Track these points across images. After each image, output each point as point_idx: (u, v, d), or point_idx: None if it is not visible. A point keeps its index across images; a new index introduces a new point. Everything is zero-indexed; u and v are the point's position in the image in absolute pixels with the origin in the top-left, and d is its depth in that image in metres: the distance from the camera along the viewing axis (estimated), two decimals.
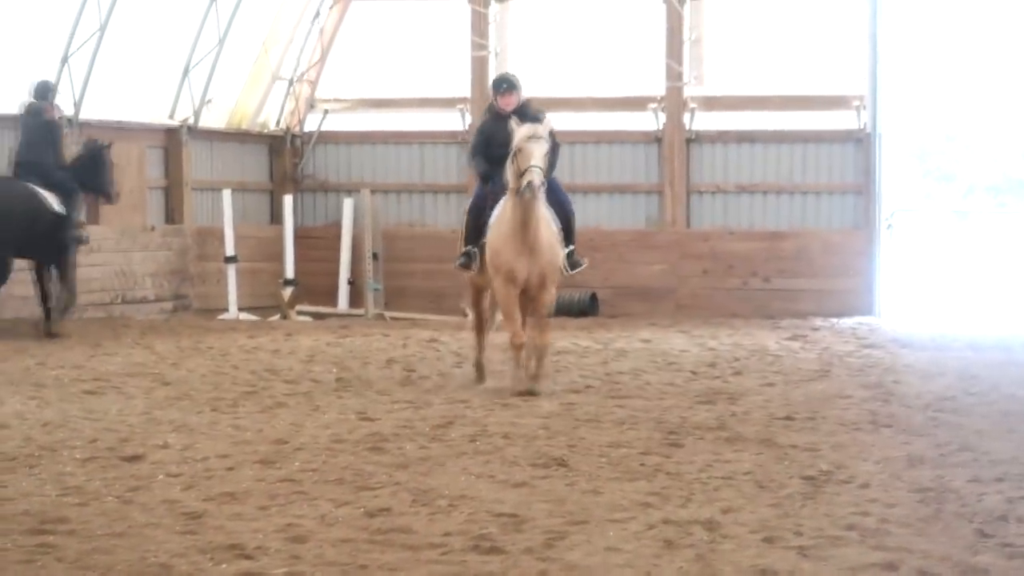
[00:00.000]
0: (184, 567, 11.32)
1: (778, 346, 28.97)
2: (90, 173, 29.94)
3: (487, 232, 20.49)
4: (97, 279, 32.81)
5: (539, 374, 21.06)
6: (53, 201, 28.67)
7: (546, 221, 20.38)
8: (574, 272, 21.46)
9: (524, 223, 20.05)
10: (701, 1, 36.90)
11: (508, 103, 20.75)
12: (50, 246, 28.67)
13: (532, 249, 20.15)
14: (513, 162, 19.86)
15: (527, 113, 20.55)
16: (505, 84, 21.05)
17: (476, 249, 20.63)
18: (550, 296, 21.12)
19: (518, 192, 19.80)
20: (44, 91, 29.95)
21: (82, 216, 30.37)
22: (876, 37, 36.26)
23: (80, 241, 30.01)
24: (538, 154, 19.60)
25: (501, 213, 20.29)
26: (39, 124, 29.39)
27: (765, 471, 15.53)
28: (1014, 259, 47.44)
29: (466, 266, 20.99)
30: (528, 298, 20.73)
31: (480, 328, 22.06)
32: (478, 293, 21.89)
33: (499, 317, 21.78)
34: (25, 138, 29.45)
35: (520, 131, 19.68)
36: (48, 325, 29.14)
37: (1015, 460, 16.00)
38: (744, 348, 27.33)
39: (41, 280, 29.48)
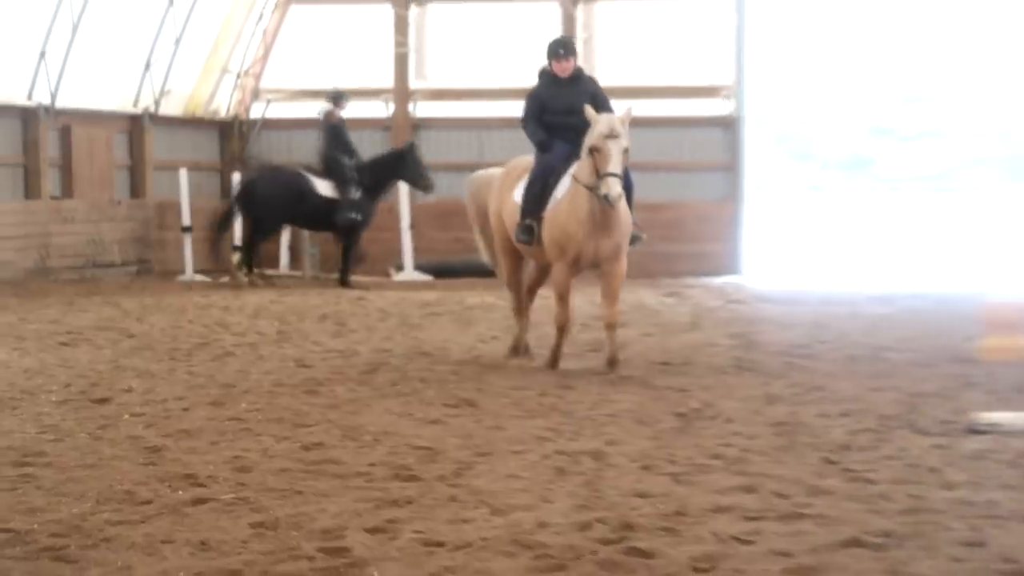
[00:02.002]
0: (145, 493, 11.35)
1: (656, 302, 29.09)
2: (404, 166, 32.83)
3: (549, 206, 17.22)
4: (71, 246, 32.69)
5: (615, 348, 17.83)
6: (323, 187, 31.62)
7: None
8: (633, 247, 18.11)
9: (602, 215, 17.03)
10: (593, 4, 36.87)
11: (565, 69, 17.62)
12: (321, 221, 31.59)
13: (607, 228, 17.16)
14: (590, 156, 16.69)
15: (584, 80, 17.82)
16: (563, 49, 17.76)
17: (535, 223, 17.23)
18: (623, 268, 17.81)
19: (596, 193, 16.70)
20: (335, 98, 32.57)
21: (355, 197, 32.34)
22: (742, 36, 36.41)
23: (350, 221, 32.24)
24: (617, 158, 16.55)
25: (572, 198, 17.02)
26: (327, 127, 32.43)
27: (644, 409, 15.61)
28: (861, 226, 47.83)
29: (528, 242, 17.47)
30: (602, 272, 17.70)
31: (522, 309, 18.90)
32: (516, 269, 18.50)
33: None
34: (321, 138, 32.57)
35: (598, 126, 16.57)
36: (341, 277, 32.71)
37: (857, 398, 16.17)
38: (627, 304, 27.37)
39: (346, 248, 33.03)
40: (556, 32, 35.30)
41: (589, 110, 16.88)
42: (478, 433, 14.13)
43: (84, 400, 16.15)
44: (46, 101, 31.90)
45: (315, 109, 37.23)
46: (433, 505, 11.00)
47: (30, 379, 17.66)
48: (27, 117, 31.78)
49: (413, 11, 37.30)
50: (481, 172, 20.13)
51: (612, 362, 17.42)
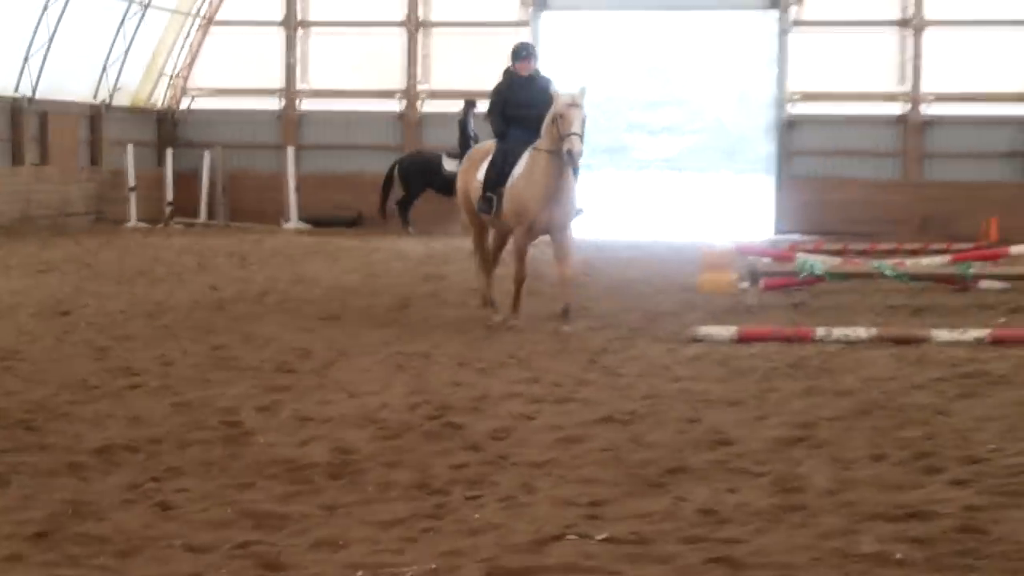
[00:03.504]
0: (95, 381, 11.31)
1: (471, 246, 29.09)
2: None
3: (508, 182, 15.33)
4: (45, 201, 32.38)
5: (569, 297, 15.65)
6: (450, 164, 30.12)
7: (569, 174, 15.30)
8: (576, 217, 15.97)
9: (557, 179, 15.04)
10: (430, 33, 36.71)
11: (525, 68, 15.77)
12: (449, 189, 28.11)
13: (558, 200, 15.19)
14: (553, 124, 14.82)
15: (540, 79, 15.90)
16: (524, 52, 16.00)
17: (495, 196, 15.41)
18: (571, 234, 15.82)
19: (558, 153, 14.80)
20: (467, 104, 31.62)
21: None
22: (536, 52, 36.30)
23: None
24: (578, 122, 14.72)
25: (529, 168, 15.14)
26: (460, 122, 31.72)
27: (461, 322, 15.69)
28: (620, 194, 48.22)
29: (486, 211, 15.60)
30: (553, 239, 15.65)
31: (487, 267, 16.61)
32: (481, 235, 16.53)
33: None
34: (457, 129, 31.77)
35: (561, 98, 14.84)
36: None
37: (612, 315, 16.31)
38: (452, 248, 27.36)
39: None
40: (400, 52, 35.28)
41: (553, 88, 15.26)
42: (339, 339, 14.11)
43: (52, 313, 15.97)
44: (28, 94, 31.62)
45: (229, 103, 37.06)
46: (305, 391, 11.01)
47: (12, 297, 17.43)
48: (14, 106, 31.52)
49: (300, 32, 37.01)
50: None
51: (567, 310, 15.32)
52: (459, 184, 16.39)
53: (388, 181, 32.93)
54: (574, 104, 14.67)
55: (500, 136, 15.73)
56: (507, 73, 15.93)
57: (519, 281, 15.59)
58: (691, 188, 61.82)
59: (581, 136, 14.64)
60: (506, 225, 15.60)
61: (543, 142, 15.02)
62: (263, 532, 6.94)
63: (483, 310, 16.09)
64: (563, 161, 14.77)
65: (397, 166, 32.85)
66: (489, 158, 15.65)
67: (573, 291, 15.84)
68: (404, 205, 32.84)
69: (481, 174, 15.65)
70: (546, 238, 16.02)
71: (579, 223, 15.96)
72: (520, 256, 15.50)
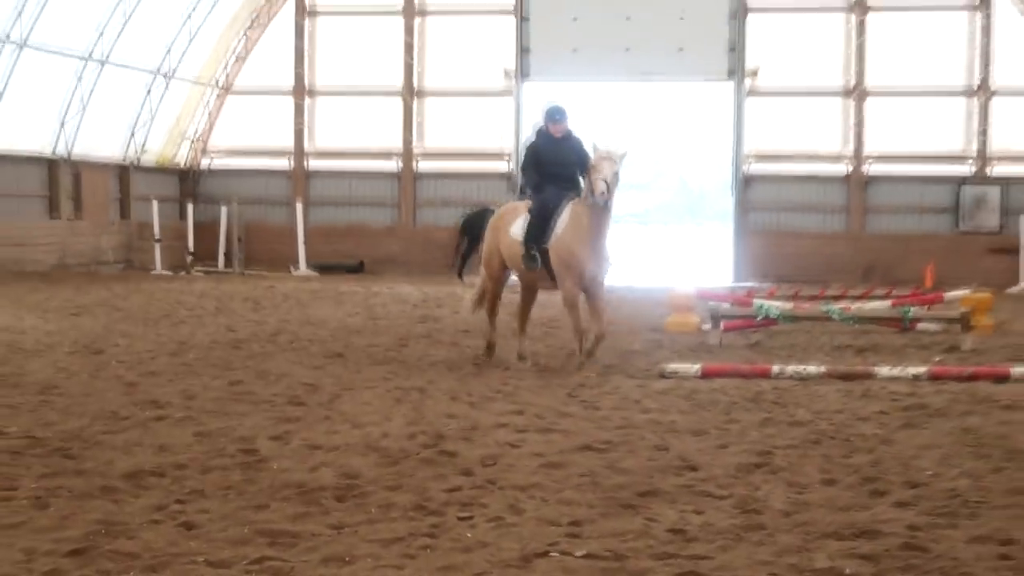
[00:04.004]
0: (124, 413, 11.22)
1: (463, 291, 29.04)
2: None
3: (551, 238, 14.52)
4: (79, 251, 32.41)
5: (596, 351, 14.80)
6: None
7: (607, 226, 14.65)
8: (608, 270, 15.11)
9: (597, 230, 14.38)
10: (424, 100, 36.83)
11: (559, 130, 14.96)
12: None
13: (599, 251, 14.54)
14: (587, 175, 14.34)
15: (573, 139, 15.07)
16: (558, 115, 15.06)
17: (538, 252, 14.57)
18: (604, 290, 15.01)
19: (594, 204, 14.23)
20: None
21: None
22: (520, 119, 36.40)
23: None
24: (608, 170, 14.04)
25: (573, 221, 14.42)
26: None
27: (452, 360, 15.63)
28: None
29: (533, 266, 14.67)
30: (590, 293, 14.75)
31: (492, 318, 15.78)
32: (496, 291, 15.77)
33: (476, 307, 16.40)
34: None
35: (598, 151, 14.24)
36: None
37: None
38: (444, 292, 27.36)
39: None
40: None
41: (593, 145, 14.43)
42: (344, 375, 14.07)
43: (86, 351, 15.90)
44: (64, 154, 31.69)
45: (244, 163, 37.15)
46: (314, 421, 10.96)
47: (50, 337, 17.35)
48: (51, 165, 31.60)
49: (307, 100, 37.14)
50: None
51: (591, 351, 14.67)
52: (487, 244, 15.64)
53: (460, 238, 31.37)
54: (608, 157, 14.17)
55: (536, 189, 14.91)
56: (540, 133, 15.25)
57: (580, 332, 14.74)
58: (658, 240, 61.99)
59: (608, 181, 14.06)
60: (543, 278, 14.88)
61: (581, 198, 14.49)
62: (277, 549, 6.93)
63: (485, 358, 15.57)
64: (600, 213, 14.25)
65: (466, 221, 31.48)
66: (524, 216, 14.90)
67: (600, 345, 14.90)
68: (463, 260, 31.67)
69: (515, 232, 14.92)
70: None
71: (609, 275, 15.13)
72: (573, 306, 14.70)
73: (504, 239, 15.10)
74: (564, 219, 14.47)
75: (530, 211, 14.83)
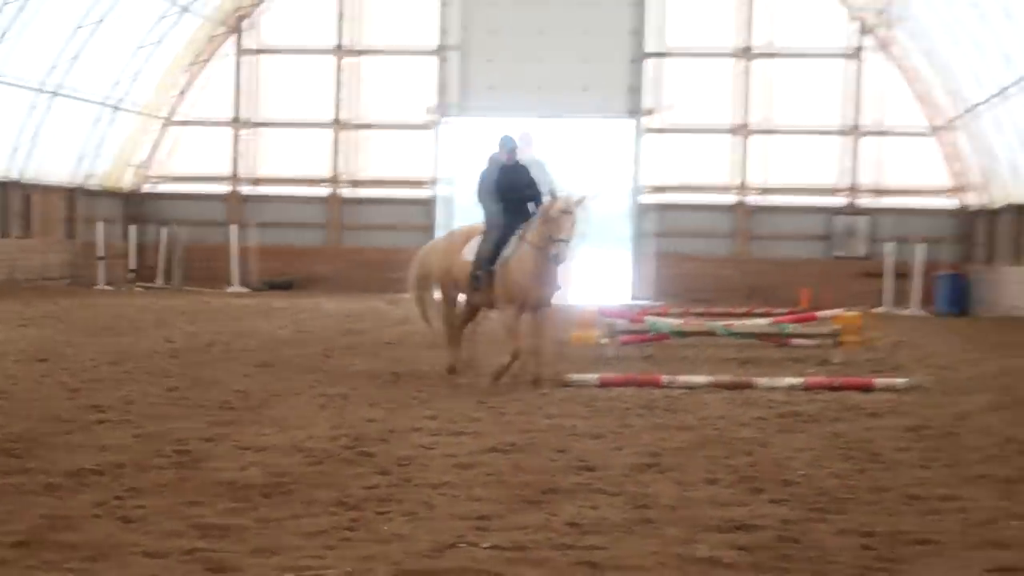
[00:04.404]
0: (68, 416, 11.07)
1: (384, 306, 29.01)
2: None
3: (497, 262, 13.94)
4: (27, 267, 31.99)
5: (544, 362, 14.25)
6: None
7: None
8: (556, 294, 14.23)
9: (543, 268, 13.66)
10: (353, 132, 36.73)
11: (511, 158, 14.33)
12: None
13: (544, 282, 13.75)
14: (545, 223, 13.55)
15: (521, 167, 14.39)
16: (511, 144, 14.46)
17: (484, 274, 14.02)
18: (551, 312, 14.27)
19: (545, 250, 13.53)
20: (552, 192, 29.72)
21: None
22: (439, 148, 36.45)
23: None
24: (568, 229, 13.44)
25: (520, 255, 13.82)
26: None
27: (372, 370, 15.58)
28: None
29: (477, 288, 14.17)
30: (536, 315, 14.06)
31: (455, 339, 14.98)
32: (452, 309, 14.98)
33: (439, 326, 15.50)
34: None
35: (557, 203, 13.47)
36: None
37: (498, 366, 16.22)
38: (366, 307, 27.30)
39: None
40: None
41: (553, 189, 13.77)
42: (273, 383, 13.98)
43: (32, 360, 15.67)
44: (16, 176, 31.26)
45: (184, 188, 36.84)
46: (244, 424, 10.88)
47: (0, 347, 17.10)
48: (3, 187, 31.13)
49: (244, 131, 36.92)
50: (425, 247, 16.08)
51: (537, 379, 13.96)
52: (437, 261, 14.94)
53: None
54: (567, 211, 13.40)
55: (491, 216, 14.32)
56: (492, 160, 14.63)
57: (515, 355, 14.05)
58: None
59: (568, 242, 13.46)
60: (484, 300, 14.36)
61: (533, 236, 13.74)
62: (209, 541, 6.87)
63: (449, 375, 14.73)
64: (548, 259, 13.59)
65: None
66: (478, 239, 14.33)
67: (546, 362, 14.26)
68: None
69: (468, 253, 14.33)
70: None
71: (557, 298, 14.35)
72: (512, 332, 14.03)
73: (456, 260, 14.54)
74: (511, 248, 13.91)
75: (483, 235, 14.36)
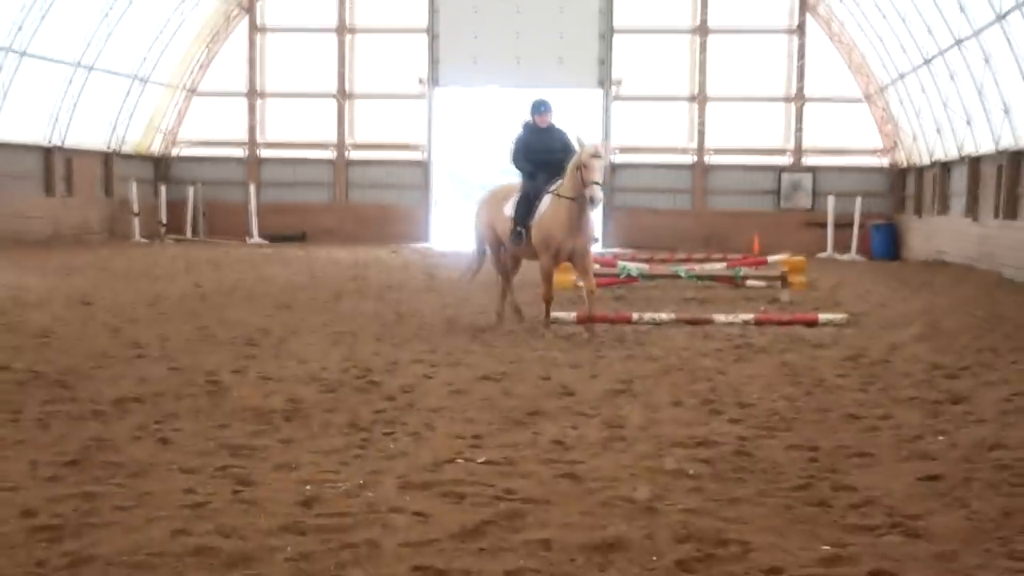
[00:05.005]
0: (111, 352, 11.09)
1: (386, 255, 28.95)
2: None
3: (535, 218, 13.14)
4: (70, 222, 31.80)
5: (592, 311, 13.23)
6: None
7: (588, 212, 12.88)
8: (593, 243, 13.32)
9: (579, 217, 12.79)
10: (354, 102, 36.47)
11: (544, 121, 13.48)
12: None
13: (578, 232, 12.85)
14: (576, 171, 12.62)
15: (556, 129, 13.60)
16: (543, 107, 13.57)
17: (524, 230, 13.23)
18: (591, 258, 13.36)
19: (580, 198, 12.67)
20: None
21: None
22: (432, 117, 36.25)
23: None
24: (599, 171, 12.52)
25: (554, 207, 12.95)
26: None
27: (378, 311, 15.54)
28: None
29: (518, 244, 13.34)
30: (576, 263, 13.19)
31: (506, 288, 14.28)
32: (501, 259, 14.20)
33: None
34: None
35: (586, 149, 12.59)
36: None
37: (487, 306, 15.86)
38: (370, 256, 27.25)
39: None
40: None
41: (579, 138, 12.85)
42: (291, 322, 13.98)
43: (77, 303, 15.62)
44: (58, 143, 30.98)
45: (207, 152, 36.60)
46: (266, 358, 10.91)
47: (48, 293, 17.02)
48: (47, 152, 30.84)
49: (259, 101, 36.62)
50: (476, 207, 14.73)
51: (591, 320, 13.17)
52: (483, 218, 14.20)
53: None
54: (596, 155, 12.57)
55: (529, 176, 13.41)
56: (526, 126, 13.70)
57: (547, 300, 13.54)
58: None
59: (601, 184, 12.57)
60: (528, 252, 13.52)
61: (565, 188, 12.86)
62: (237, 459, 6.91)
63: (499, 321, 14.03)
64: (584, 205, 12.71)
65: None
66: (515, 197, 13.56)
67: (595, 305, 13.37)
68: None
69: (507, 210, 13.61)
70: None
71: (593, 247, 13.45)
72: (547, 278, 13.39)
73: (498, 215, 13.91)
74: (546, 203, 13.10)
75: (519, 194, 13.63)
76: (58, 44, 29.54)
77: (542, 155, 13.36)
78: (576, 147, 12.87)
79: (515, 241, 13.42)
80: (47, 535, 5.38)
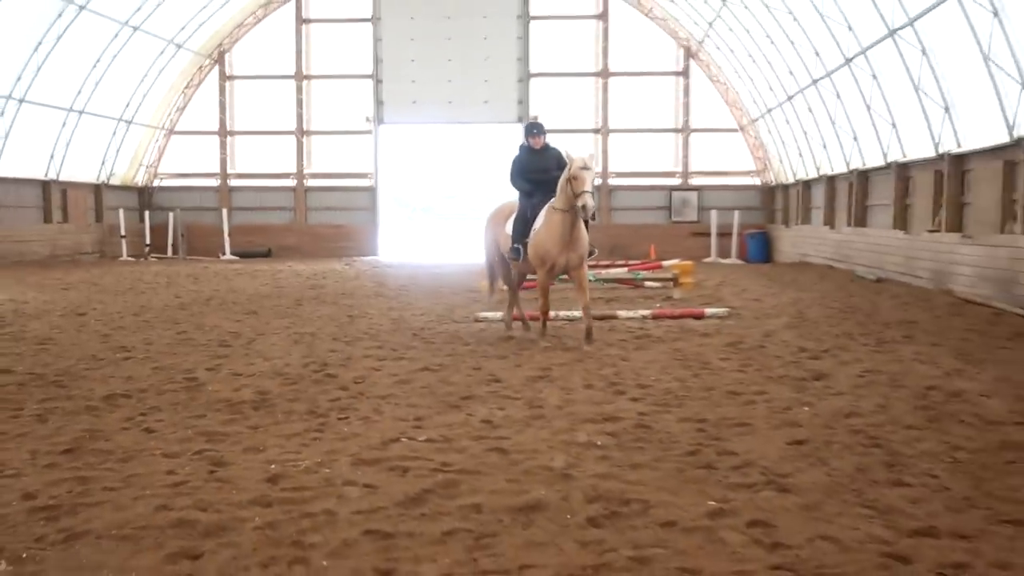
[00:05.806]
0: (101, 355, 10.85)
1: (340, 267, 28.67)
2: None
3: (531, 234, 11.99)
4: (66, 245, 31.07)
5: (590, 322, 11.89)
6: None
7: (581, 225, 11.71)
8: (589, 258, 12.22)
9: (572, 230, 11.64)
10: (310, 137, 36.08)
11: (538, 142, 12.21)
12: None
13: (573, 246, 11.67)
14: (567, 184, 11.43)
15: (550, 149, 12.34)
16: (536, 129, 12.30)
17: (521, 246, 12.10)
18: (585, 271, 11.92)
19: (573, 208, 11.48)
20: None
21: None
22: (377, 147, 36.01)
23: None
24: (589, 182, 11.28)
25: (548, 223, 11.76)
26: None
27: (332, 315, 15.39)
28: (429, 237, 47.85)
29: (516, 259, 12.19)
30: (572, 276, 11.93)
31: (513, 300, 13.22)
32: (508, 273, 12.99)
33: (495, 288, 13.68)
34: None
35: (575, 162, 11.38)
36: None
37: (427, 307, 16.08)
38: (327, 268, 26.98)
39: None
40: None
41: (568, 153, 11.78)
42: (258, 325, 13.78)
43: (72, 314, 15.28)
44: (54, 177, 30.29)
45: (186, 182, 35.98)
46: (237, 357, 10.74)
47: (45, 305, 16.62)
48: (45, 185, 30.11)
49: (229, 139, 36.10)
50: (486, 223, 13.38)
51: (589, 331, 11.85)
52: (489, 235, 13.04)
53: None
54: (586, 167, 11.38)
55: (527, 195, 12.23)
56: (522, 148, 12.46)
57: (543, 312, 12.26)
58: (472, 233, 61.73)
59: (592, 193, 11.32)
60: (528, 267, 12.49)
61: (559, 201, 11.69)
62: (212, 444, 6.79)
63: (508, 331, 13.04)
64: (577, 216, 11.53)
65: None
66: (514, 215, 12.56)
67: (591, 317, 12.05)
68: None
69: (509, 228, 12.64)
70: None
71: (587, 261, 12.29)
72: (543, 292, 12.16)
73: (501, 232, 12.87)
74: (541, 220, 12.15)
75: (517, 212, 12.59)
76: (53, 92, 28.96)
77: (538, 175, 12.38)
78: (568, 162, 11.92)
79: (514, 257, 12.52)
80: (46, 514, 5.26)
